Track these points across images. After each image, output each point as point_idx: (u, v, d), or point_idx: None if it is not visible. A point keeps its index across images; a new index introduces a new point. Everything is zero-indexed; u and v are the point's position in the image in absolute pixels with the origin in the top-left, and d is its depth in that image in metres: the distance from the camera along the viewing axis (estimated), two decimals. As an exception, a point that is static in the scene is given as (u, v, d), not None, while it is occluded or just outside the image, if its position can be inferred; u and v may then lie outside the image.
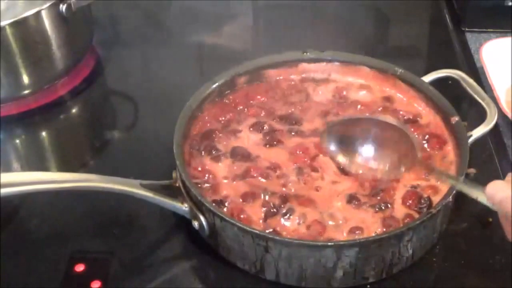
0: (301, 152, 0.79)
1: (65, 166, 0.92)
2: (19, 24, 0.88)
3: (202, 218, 0.71)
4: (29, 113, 0.95)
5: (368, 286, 0.71)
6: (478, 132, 0.78)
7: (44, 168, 0.90)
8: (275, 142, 0.80)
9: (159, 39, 1.11)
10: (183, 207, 0.73)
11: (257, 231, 0.68)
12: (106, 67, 1.06)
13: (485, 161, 0.86)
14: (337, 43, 1.06)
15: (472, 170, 0.82)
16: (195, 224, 0.72)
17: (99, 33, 1.06)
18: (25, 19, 0.88)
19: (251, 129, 0.82)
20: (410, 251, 0.71)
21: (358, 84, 0.88)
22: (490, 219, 0.79)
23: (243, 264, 0.72)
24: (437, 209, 0.70)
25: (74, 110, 0.99)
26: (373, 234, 0.70)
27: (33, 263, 0.74)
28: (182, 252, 0.75)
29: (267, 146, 0.80)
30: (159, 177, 0.77)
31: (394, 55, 1.08)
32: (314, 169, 0.77)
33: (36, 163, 0.91)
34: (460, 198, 0.77)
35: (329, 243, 0.67)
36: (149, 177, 0.76)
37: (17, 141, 0.94)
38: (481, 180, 0.81)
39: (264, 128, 0.82)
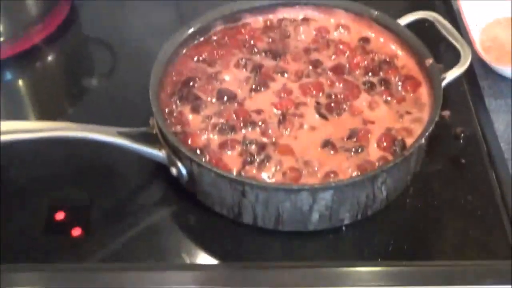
0: (285, 95, 0.79)
1: (42, 114, 0.91)
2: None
3: (179, 164, 0.72)
4: (4, 61, 0.93)
5: (344, 227, 0.73)
6: (452, 74, 0.79)
7: (21, 117, 0.89)
8: (260, 86, 0.80)
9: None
10: (160, 154, 0.73)
11: (233, 176, 0.69)
12: (81, 13, 1.04)
13: (459, 103, 0.87)
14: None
15: (446, 113, 0.84)
16: (173, 170, 0.73)
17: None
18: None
19: (235, 67, 0.82)
20: (384, 193, 0.72)
21: (338, 24, 0.88)
22: (463, 161, 0.81)
23: (221, 209, 0.73)
24: (410, 151, 0.71)
25: (49, 58, 0.98)
26: (349, 176, 0.71)
27: (13, 212, 0.75)
28: (162, 199, 0.76)
29: (253, 90, 0.79)
30: (138, 124, 0.77)
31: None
32: (297, 115, 0.77)
33: (13, 112, 0.90)
34: (434, 140, 0.78)
35: (305, 187, 0.68)
36: (128, 125, 0.76)
37: (-7, 90, 0.94)
38: (456, 122, 0.84)
39: (247, 63, 0.82)
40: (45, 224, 0.74)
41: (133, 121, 0.78)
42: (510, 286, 0.69)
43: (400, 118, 0.77)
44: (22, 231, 0.73)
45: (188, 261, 0.71)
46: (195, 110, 0.77)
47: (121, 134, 0.73)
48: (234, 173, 0.71)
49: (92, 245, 0.72)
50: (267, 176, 0.71)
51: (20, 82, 0.96)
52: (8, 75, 0.95)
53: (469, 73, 0.88)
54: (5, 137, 0.67)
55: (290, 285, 0.71)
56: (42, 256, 0.71)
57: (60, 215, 0.74)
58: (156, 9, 1.04)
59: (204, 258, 0.72)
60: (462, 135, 0.83)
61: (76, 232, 0.73)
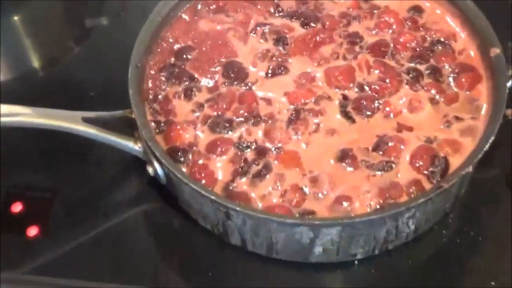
0: (305, 83, 0.63)
1: (49, 52, 0.79)
2: None
3: (156, 165, 0.58)
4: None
5: (356, 262, 0.58)
6: (523, 72, 0.61)
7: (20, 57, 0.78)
8: (280, 68, 0.64)
9: None
10: (136, 148, 0.59)
11: (214, 197, 0.54)
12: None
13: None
14: None
15: (510, 112, 0.66)
16: (150, 169, 0.59)
17: None
18: None
19: (252, 33, 0.66)
20: (412, 227, 0.57)
21: None
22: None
23: (205, 224, 0.59)
24: (450, 182, 0.54)
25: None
26: (366, 205, 0.55)
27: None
28: (137, 197, 0.63)
29: (269, 72, 0.64)
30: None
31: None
32: (314, 113, 0.61)
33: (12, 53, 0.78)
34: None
35: (302, 222, 0.53)
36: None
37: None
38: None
39: (268, 31, 0.66)
40: (-1, 217, 0.61)
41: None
42: None
43: (447, 125, 0.60)
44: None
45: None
46: (187, 94, 0.61)
47: (88, 121, 0.58)
48: (221, 186, 0.56)
49: (48, 249, 0.59)
50: (262, 194, 0.56)
51: (19, 20, 0.83)
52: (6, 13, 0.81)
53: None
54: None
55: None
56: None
57: (17, 207, 0.62)
58: None
59: (180, 283, 0.59)
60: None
61: (33, 231, 0.61)
